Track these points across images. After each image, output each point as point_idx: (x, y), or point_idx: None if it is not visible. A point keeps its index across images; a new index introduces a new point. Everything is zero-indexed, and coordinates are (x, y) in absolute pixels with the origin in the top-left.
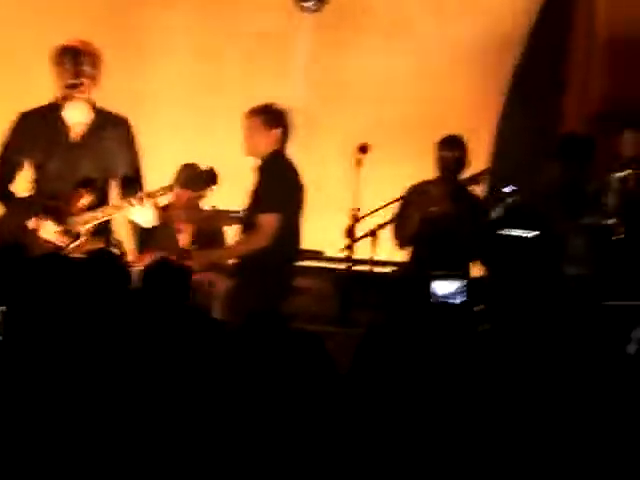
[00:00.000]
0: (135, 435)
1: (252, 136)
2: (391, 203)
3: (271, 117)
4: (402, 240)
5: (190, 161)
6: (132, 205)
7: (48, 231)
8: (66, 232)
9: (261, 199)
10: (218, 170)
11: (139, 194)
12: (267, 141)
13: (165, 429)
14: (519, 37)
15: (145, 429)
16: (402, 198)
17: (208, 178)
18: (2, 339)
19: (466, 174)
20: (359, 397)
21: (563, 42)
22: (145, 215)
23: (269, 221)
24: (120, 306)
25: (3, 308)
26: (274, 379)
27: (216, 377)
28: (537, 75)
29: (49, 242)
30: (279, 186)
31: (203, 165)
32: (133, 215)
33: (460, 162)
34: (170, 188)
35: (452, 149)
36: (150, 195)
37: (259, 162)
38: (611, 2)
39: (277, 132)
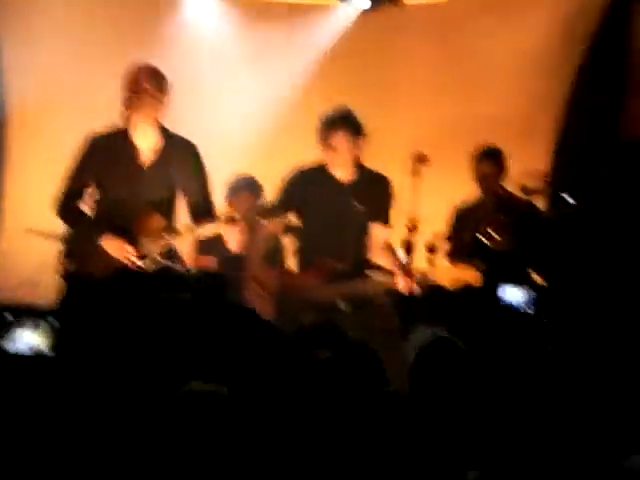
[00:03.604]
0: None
1: (350, 147)
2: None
3: (359, 126)
4: (455, 259)
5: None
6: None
7: (118, 250)
8: (135, 252)
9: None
10: None
11: (227, 216)
12: (360, 151)
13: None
14: (580, 38)
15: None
16: (453, 221)
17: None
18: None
19: (526, 183)
20: (418, 413)
21: (626, 43)
22: (232, 236)
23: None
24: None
25: (57, 325)
26: (326, 389)
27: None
28: (600, 76)
29: (118, 261)
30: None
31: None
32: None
33: (499, 174)
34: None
35: (490, 162)
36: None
37: (350, 174)
38: None
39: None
